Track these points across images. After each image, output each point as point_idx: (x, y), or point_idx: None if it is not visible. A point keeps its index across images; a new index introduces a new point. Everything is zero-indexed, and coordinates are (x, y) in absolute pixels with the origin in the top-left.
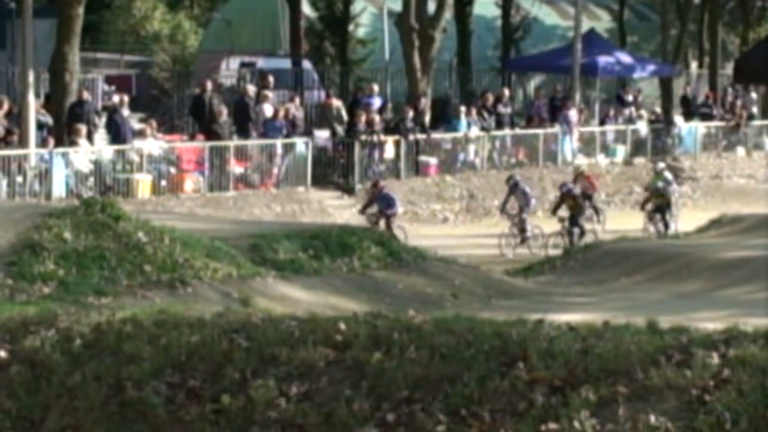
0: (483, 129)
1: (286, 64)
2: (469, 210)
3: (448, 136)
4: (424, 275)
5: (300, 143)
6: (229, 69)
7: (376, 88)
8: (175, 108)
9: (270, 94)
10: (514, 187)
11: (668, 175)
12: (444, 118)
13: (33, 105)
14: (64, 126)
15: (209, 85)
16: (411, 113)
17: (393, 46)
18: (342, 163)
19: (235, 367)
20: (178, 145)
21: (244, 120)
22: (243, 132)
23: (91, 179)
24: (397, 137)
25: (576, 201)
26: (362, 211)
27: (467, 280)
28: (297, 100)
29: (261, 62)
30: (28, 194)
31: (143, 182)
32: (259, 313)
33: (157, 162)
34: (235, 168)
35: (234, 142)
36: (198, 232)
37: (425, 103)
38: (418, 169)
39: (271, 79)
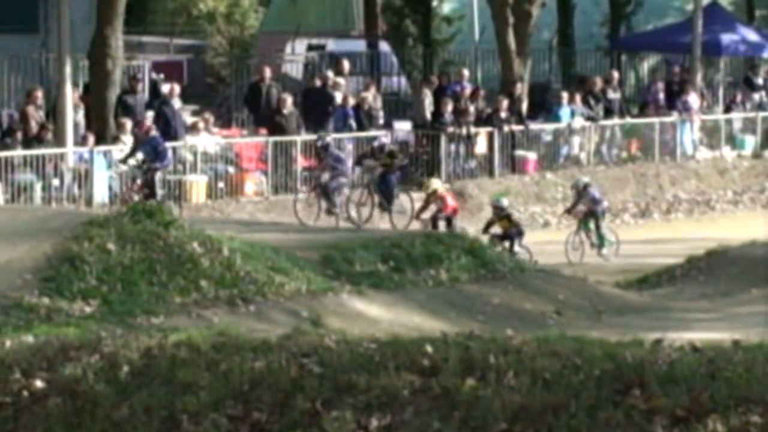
0: (589, 118)
1: (360, 46)
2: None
3: (549, 126)
4: (522, 289)
5: (378, 137)
6: (295, 53)
7: (466, 72)
8: (233, 98)
9: (343, 81)
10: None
11: (595, 192)
12: (543, 106)
13: (70, 96)
14: (107, 120)
15: (268, 72)
16: (505, 101)
17: (484, 23)
18: (426, 159)
19: (306, 396)
20: (237, 141)
21: (322, 113)
22: (317, 126)
23: (138, 181)
24: (489, 129)
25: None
26: (123, 161)
27: (573, 294)
28: (373, 88)
29: (331, 44)
30: (65, 199)
31: (197, 184)
32: (333, 334)
33: (213, 161)
34: (303, 166)
35: (301, 137)
36: (261, 241)
37: (522, 89)
38: (515, 166)
39: (346, 64)
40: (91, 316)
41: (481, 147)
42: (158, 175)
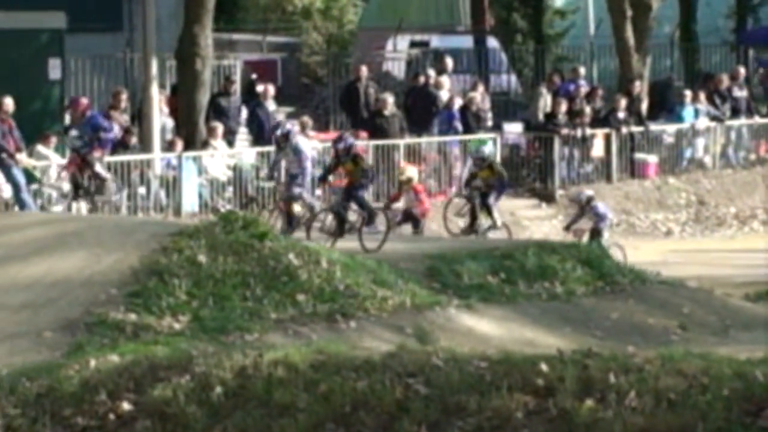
0: (714, 118)
1: (466, 42)
2: (698, 220)
3: (671, 127)
4: (643, 302)
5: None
6: (397, 50)
7: (582, 70)
8: (331, 99)
9: (447, 80)
10: None
11: (599, 206)
12: (665, 105)
13: (157, 99)
14: (196, 124)
15: (364, 71)
16: (623, 100)
17: (599, 17)
18: (538, 163)
19: (412, 419)
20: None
21: (426, 114)
22: (421, 129)
23: (230, 189)
24: (606, 130)
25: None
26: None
27: (698, 308)
28: (481, 87)
29: (435, 41)
30: (152, 208)
31: None
32: (441, 352)
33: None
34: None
35: (404, 141)
36: (362, 252)
37: (641, 87)
38: (634, 170)
39: (449, 61)
40: (180, 334)
41: (597, 150)
42: (95, 156)
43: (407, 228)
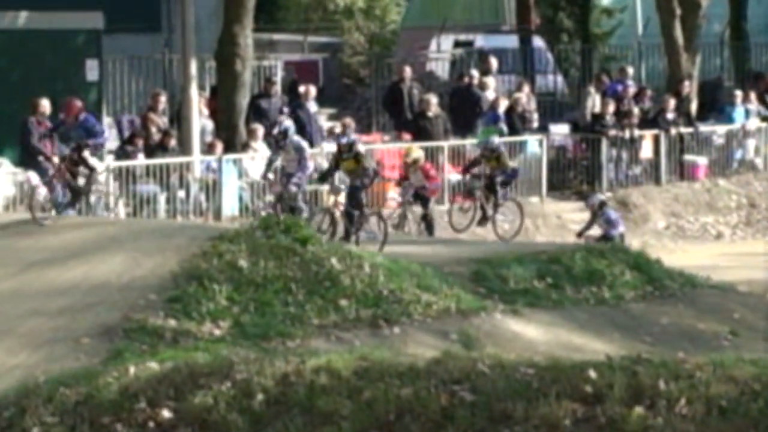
0: (765, 119)
1: (511, 41)
2: (749, 222)
3: (721, 128)
4: (693, 307)
5: (532, 141)
6: (441, 50)
7: (630, 70)
8: (374, 100)
9: (492, 80)
10: None
11: (611, 213)
12: (715, 106)
13: (196, 100)
14: (236, 126)
15: (408, 71)
16: (672, 101)
17: (647, 15)
18: (586, 165)
19: (458, 427)
20: (378, 147)
21: (470, 115)
22: (466, 130)
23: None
24: (655, 131)
25: (358, 161)
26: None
27: (750, 313)
28: (526, 87)
29: (480, 40)
30: (192, 212)
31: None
32: (486, 358)
33: None
34: (452, 175)
35: (449, 142)
36: (406, 256)
37: (690, 87)
38: (683, 172)
39: (494, 61)
40: (221, 340)
41: (646, 151)
42: (89, 152)
43: (414, 231)
